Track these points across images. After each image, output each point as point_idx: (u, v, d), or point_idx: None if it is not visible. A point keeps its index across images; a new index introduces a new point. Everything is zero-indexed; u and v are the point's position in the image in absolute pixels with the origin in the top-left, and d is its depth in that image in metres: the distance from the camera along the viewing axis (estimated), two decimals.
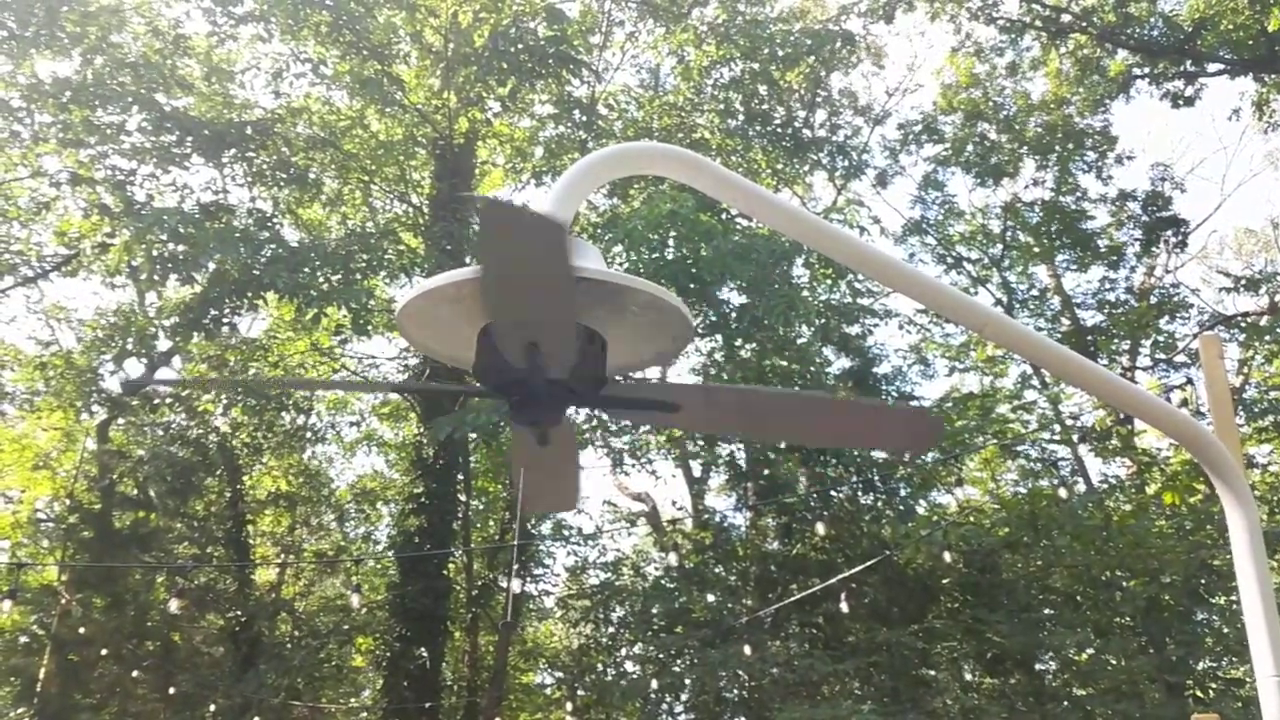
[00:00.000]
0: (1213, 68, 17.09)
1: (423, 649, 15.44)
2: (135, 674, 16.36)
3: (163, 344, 16.55)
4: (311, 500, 20.16)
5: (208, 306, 13.80)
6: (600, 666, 17.14)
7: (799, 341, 15.83)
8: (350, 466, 22.08)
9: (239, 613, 17.51)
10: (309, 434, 19.80)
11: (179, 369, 18.23)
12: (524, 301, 2.03)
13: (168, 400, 17.49)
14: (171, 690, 15.66)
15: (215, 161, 14.72)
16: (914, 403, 17.02)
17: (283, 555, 20.09)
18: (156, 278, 13.42)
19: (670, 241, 13.75)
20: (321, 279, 13.61)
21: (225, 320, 14.45)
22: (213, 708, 15.34)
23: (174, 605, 11.25)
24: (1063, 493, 14.16)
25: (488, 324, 2.28)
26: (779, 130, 17.67)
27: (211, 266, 13.33)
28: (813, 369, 16.22)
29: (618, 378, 2.49)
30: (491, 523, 19.64)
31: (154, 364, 17.57)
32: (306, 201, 16.34)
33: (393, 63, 16.04)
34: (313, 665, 17.81)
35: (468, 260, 15.17)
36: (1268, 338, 16.86)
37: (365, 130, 16.87)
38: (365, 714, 19.29)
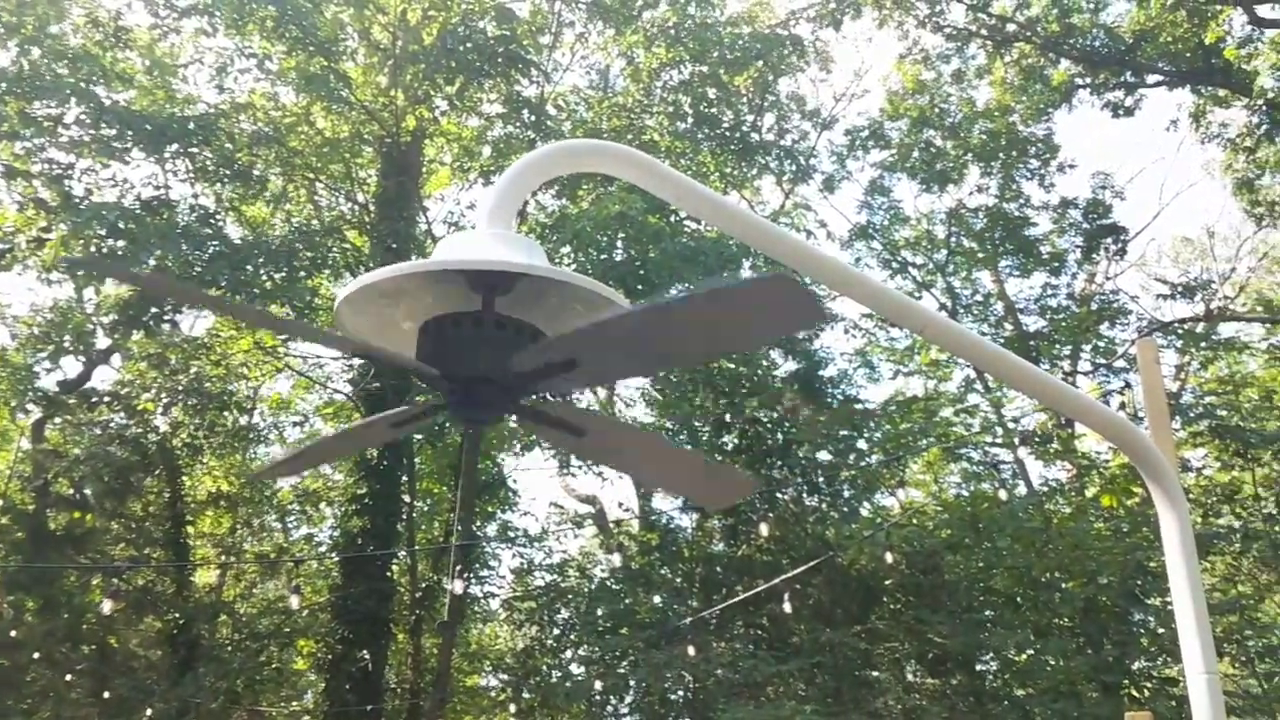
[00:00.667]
0: (1152, 79, 17.44)
1: (365, 651, 15.29)
2: (69, 678, 16.02)
3: (101, 341, 16.25)
4: (253, 501, 19.87)
5: (148, 304, 13.57)
6: (545, 668, 17.08)
7: None
8: None
9: (177, 615, 17.21)
10: (251, 434, 19.52)
11: (118, 367, 17.90)
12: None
13: (106, 399, 17.16)
14: (106, 694, 15.34)
15: (157, 157, 14.47)
16: (857, 406, 17.17)
17: (223, 557, 19.79)
18: (94, 274, 13.16)
19: (619, 243, 13.75)
20: (265, 277, 13.44)
21: (166, 318, 14.22)
22: (149, 712, 15.03)
23: (108, 607, 11.02)
24: (1003, 495, 14.35)
25: (429, 320, 2.25)
26: (727, 133, 17.74)
27: (152, 263, 13.10)
28: (759, 372, 16.30)
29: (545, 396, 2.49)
30: (436, 524, 19.51)
31: (92, 362, 17.24)
32: (250, 198, 16.13)
33: (340, 59, 15.87)
34: (253, 668, 17.56)
35: (412, 258, 15.04)
36: (1203, 344, 17.20)
37: (311, 127, 16.68)
38: (307, 717, 19.06)
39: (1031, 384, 3.37)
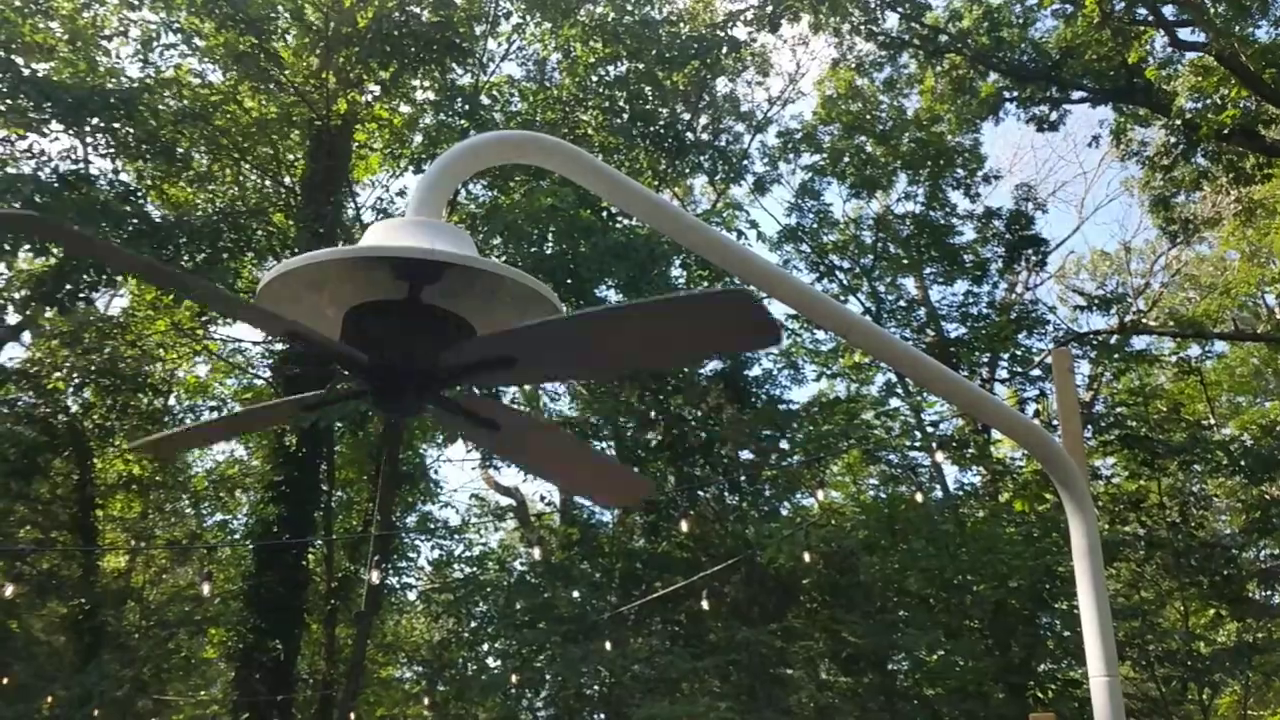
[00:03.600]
0: (1076, 95, 17.82)
1: (277, 641, 15.07)
2: None
3: (11, 317, 15.74)
4: (166, 485, 19.45)
5: (62, 280, 13.19)
6: (461, 661, 16.99)
7: None
8: (208, 452, 21.37)
9: (83, 601, 16.78)
10: (166, 417, 19.09)
11: (28, 345, 17.37)
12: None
13: (14, 377, 16.65)
14: (4, 680, 14.90)
15: (76, 130, 14.07)
16: (781, 406, 17.33)
17: (133, 542, 19.34)
18: (7, 247, 12.76)
19: (550, 236, 13.70)
20: (186, 257, 13.15)
21: (81, 295, 13.83)
22: (50, 699, 14.65)
23: (9, 590, 10.70)
24: (919, 498, 14.59)
25: (353, 309, 2.22)
26: (662, 131, 17.77)
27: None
28: (685, 370, 16.36)
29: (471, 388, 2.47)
30: (354, 514, 19.28)
31: (1, 338, 16.71)
32: (173, 177, 15.76)
33: (270, 38, 15.58)
34: (161, 656, 17.21)
35: (340, 244, 14.84)
36: (1116, 356, 17.66)
37: (238, 106, 16.35)
38: (215, 707, 18.72)
39: (951, 390, 3.44)
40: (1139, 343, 18.84)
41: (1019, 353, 18.69)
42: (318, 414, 12.55)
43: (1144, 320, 20.45)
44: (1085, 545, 3.14)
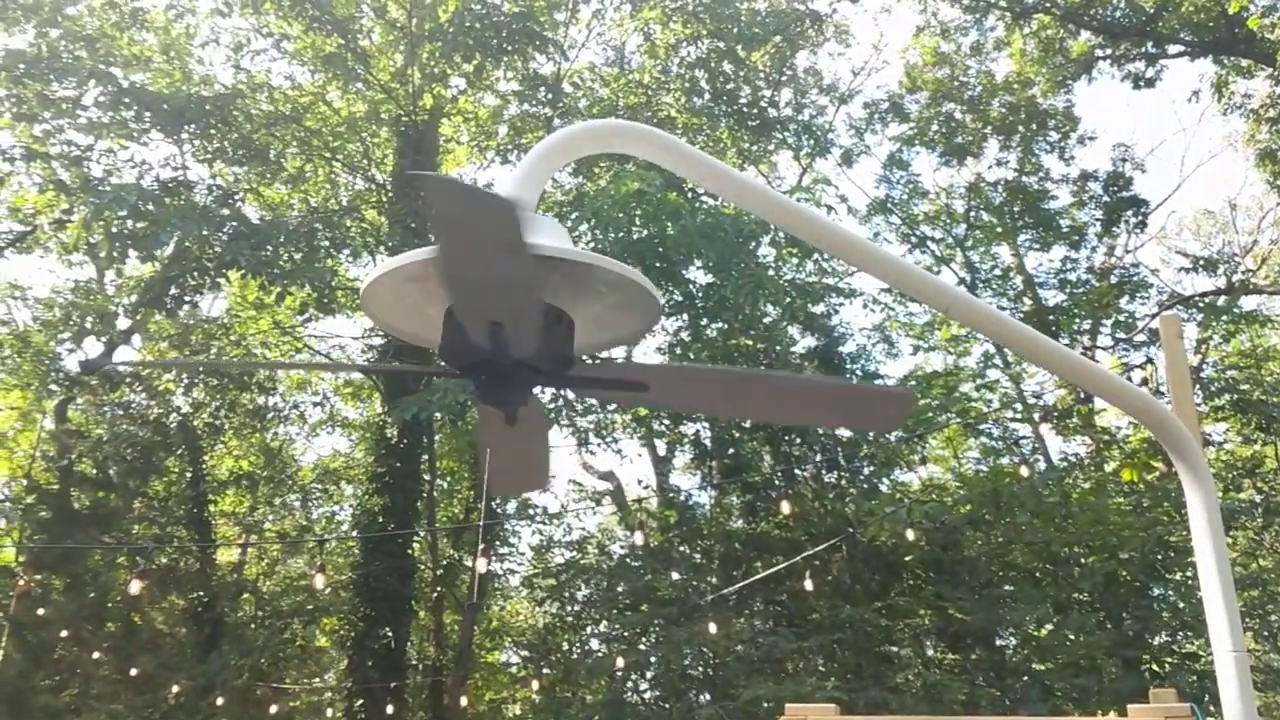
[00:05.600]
0: (1173, 49, 17.25)
1: (387, 628, 15.41)
2: (96, 655, 16.19)
3: (122, 323, 16.33)
4: (274, 480, 20.01)
5: (168, 284, 13.63)
6: (566, 645, 17.17)
7: (765, 321, 15.86)
8: (313, 446, 21.91)
9: (201, 593, 17.37)
10: (271, 414, 19.63)
11: (139, 348, 18.00)
12: (482, 281, 2.00)
13: (127, 379, 17.27)
14: (133, 671, 15.50)
15: (174, 137, 14.51)
16: (878, 382, 17.12)
17: (244, 535, 19.93)
18: (116, 255, 13.22)
19: (636, 220, 13.71)
20: (284, 257, 13.47)
21: (186, 299, 14.28)
22: (175, 689, 15.21)
23: (134, 586, 11.10)
24: (1024, 471, 14.29)
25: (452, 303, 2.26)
26: (744, 109, 17.64)
27: (172, 244, 13.16)
28: (778, 348, 16.26)
29: (585, 358, 2.48)
30: (456, 502, 19.59)
31: (113, 343, 17.34)
32: (268, 178, 16.15)
33: (356, 38, 15.85)
34: (276, 645, 17.71)
35: (432, 239, 15.06)
36: (1224, 318, 17.08)
37: (328, 107, 16.68)
38: (330, 694, 19.23)
39: (1056, 361, 3.36)
40: (1248, 303, 18.21)
41: (1121, 319, 18.21)
42: (419, 404, 12.77)
43: (1253, 280, 19.71)
44: (1205, 516, 3.04)
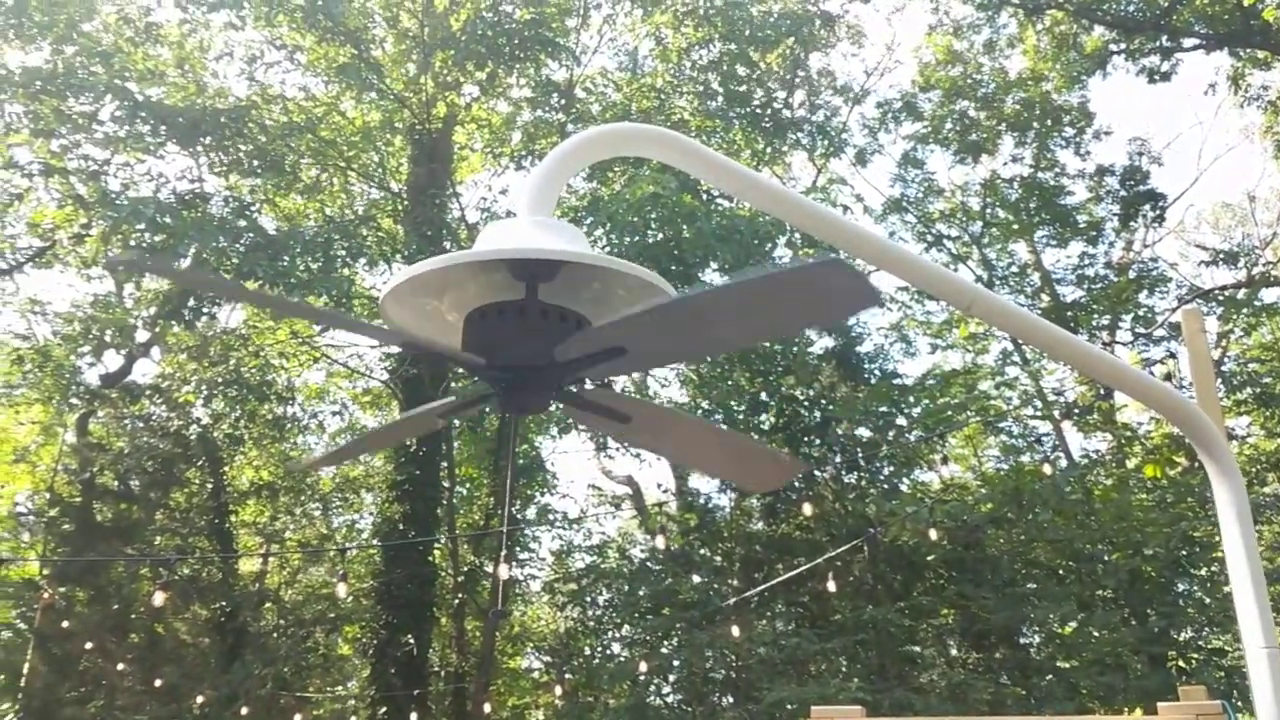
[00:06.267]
0: (1189, 43, 17.13)
1: (409, 636, 15.43)
2: (120, 666, 16.27)
3: (141, 335, 16.43)
4: (294, 489, 20.07)
5: (186, 296, 13.70)
6: (588, 650, 17.16)
7: None
8: None
9: (224, 603, 17.43)
10: (290, 424, 19.68)
11: (158, 360, 18.09)
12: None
13: (147, 392, 17.37)
14: (158, 682, 15.57)
15: (190, 150, 14.58)
16: (895, 381, 17.07)
17: (265, 545, 20.00)
18: (140, 271, 13.30)
19: (652, 224, 13.70)
20: (301, 267, 13.52)
21: (204, 310, 14.34)
22: (199, 699, 15.27)
23: (159, 598, 11.15)
24: (1047, 469, 14.21)
25: (474, 310, 2.26)
26: (758, 111, 17.62)
27: (189, 256, 13.22)
28: (795, 350, 16.23)
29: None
30: (475, 508, 19.61)
31: (132, 356, 17.44)
32: (284, 189, 16.22)
33: (368, 48, 15.90)
34: (299, 654, 17.77)
35: (448, 246, 15.10)
36: (1245, 311, 16.96)
37: (342, 117, 16.74)
38: (353, 702, 19.26)
39: (1080, 357, 3.34)
40: (1269, 295, 18.06)
41: (1140, 314, 18.10)
42: (454, 417, 12.79)
43: (1273, 272, 19.56)
44: (1234, 510, 3.01)
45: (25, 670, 16.25)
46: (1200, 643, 13.61)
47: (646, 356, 2.38)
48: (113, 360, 17.57)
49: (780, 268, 1.83)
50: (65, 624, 16.06)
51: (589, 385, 2.52)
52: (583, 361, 2.16)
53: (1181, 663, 13.02)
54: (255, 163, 14.72)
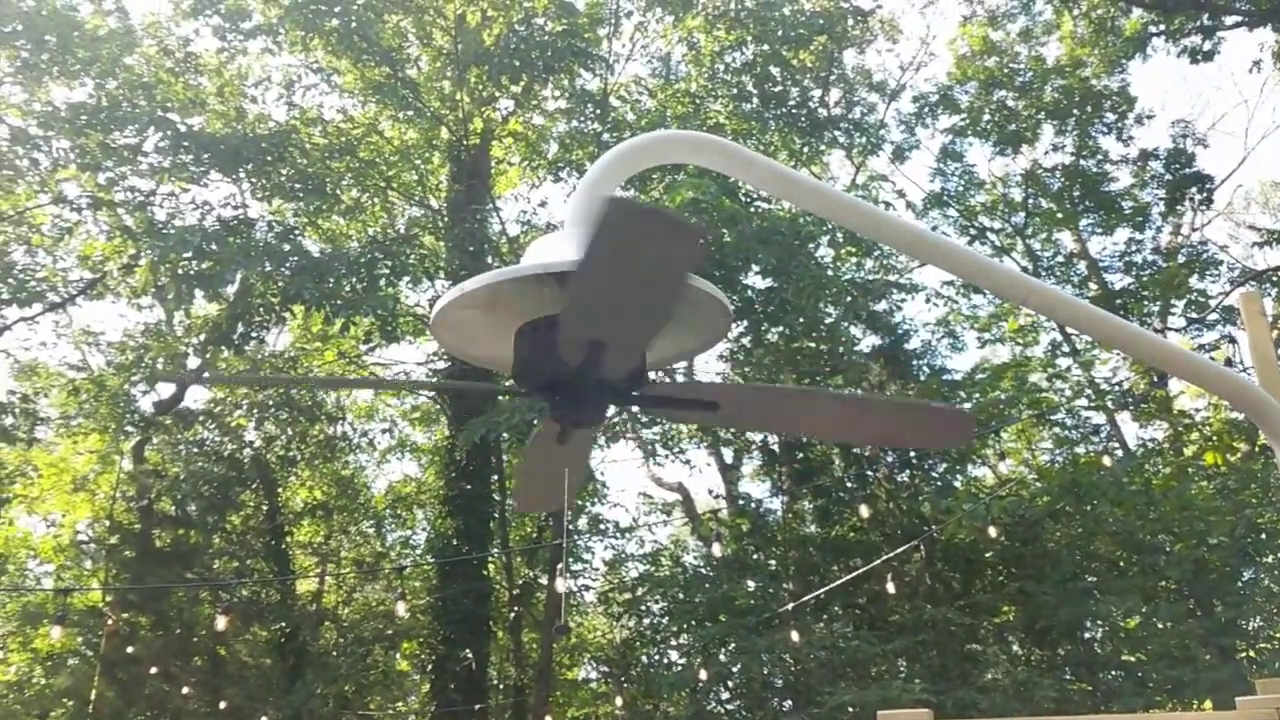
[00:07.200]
0: (1230, 20, 16.81)
1: (467, 650, 15.49)
2: (185, 690, 16.48)
3: (192, 362, 16.64)
4: (348, 508, 20.24)
5: (235, 322, 13.87)
6: (645, 658, 17.13)
7: (826, 322, 15.73)
8: (383, 473, 22.15)
9: (283, 624, 17.60)
10: (342, 443, 19.87)
11: (210, 385, 18.32)
12: (620, 301, 1.99)
13: (200, 418, 17.60)
14: (222, 705, 15.76)
15: (233, 176, 14.77)
16: (944, 376, 16.89)
17: (321, 565, 20.17)
18: (183, 296, 13.49)
19: None
20: (347, 288, 13.64)
21: (253, 335, 14.52)
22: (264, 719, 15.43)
23: (221, 623, 11.27)
24: (1106, 460, 13.96)
25: (524, 325, 2.25)
26: (794, 111, 17.54)
27: (237, 282, 13.39)
28: (841, 348, 16.12)
29: (653, 373, 2.46)
30: (528, 521, 19.65)
31: (184, 382, 17.67)
32: (325, 211, 16.39)
33: (403, 67, 16.03)
34: (359, 672, 17.89)
35: (490, 261, 15.17)
36: None
37: (380, 137, 16.88)
38: (414, 718, 19.38)
39: (1140, 346, 3.27)
40: None
41: (1192, 298, 17.79)
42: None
43: None
44: None
45: (93, 696, 16.50)
46: (1271, 632, 13.33)
47: (734, 420, 2.37)
48: (165, 387, 17.81)
49: (914, 401, 1.80)
50: (130, 650, 16.30)
51: (676, 379, 2.50)
52: (673, 402, 2.14)
53: (1252, 653, 12.76)
54: (297, 186, 14.88)
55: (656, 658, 17.00)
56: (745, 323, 15.48)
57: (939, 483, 15.77)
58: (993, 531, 12.59)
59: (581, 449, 2.75)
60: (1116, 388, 16.54)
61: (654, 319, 2.03)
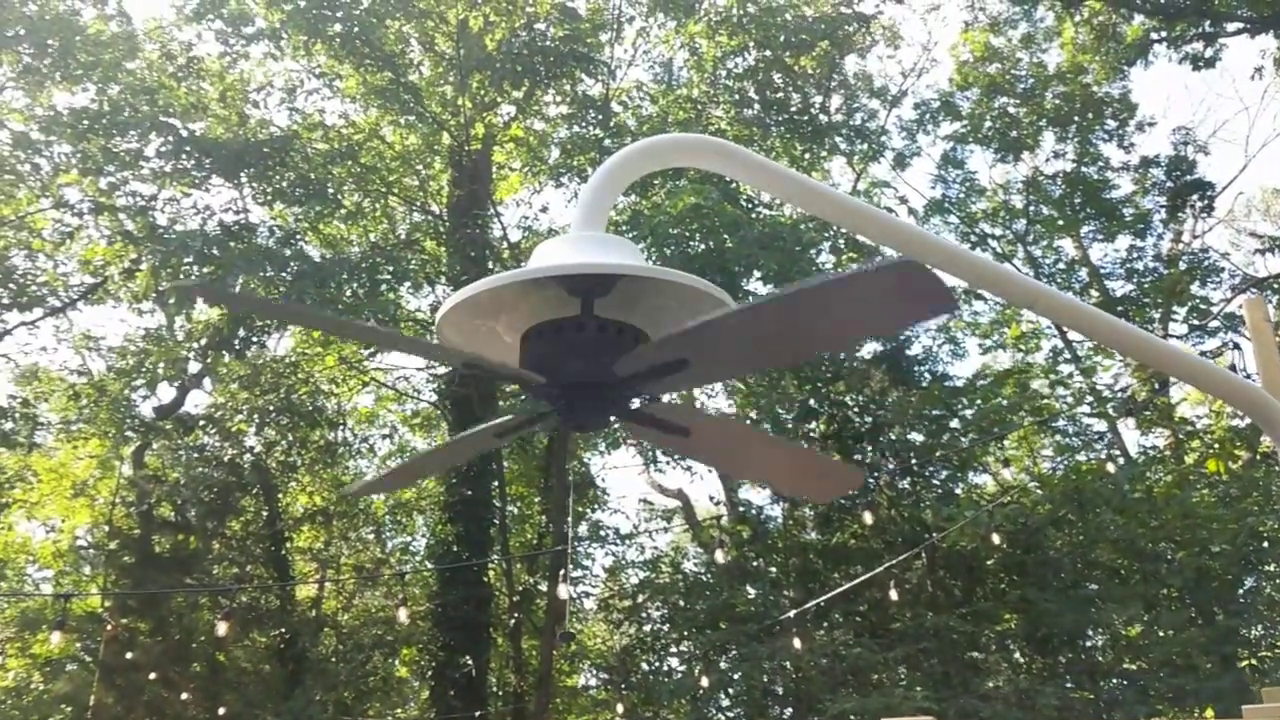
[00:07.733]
0: (1232, 27, 16.81)
1: (467, 657, 15.44)
2: (184, 696, 16.42)
3: (193, 367, 16.63)
4: (348, 514, 20.18)
5: (236, 326, 13.85)
6: (645, 666, 17.07)
7: None
8: None
9: (283, 630, 17.54)
10: (342, 448, 19.82)
11: (210, 391, 18.29)
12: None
13: (200, 423, 17.56)
14: (221, 711, 15.69)
15: (234, 181, 14.77)
16: (946, 383, 16.85)
17: (321, 571, 20.11)
18: (184, 300, 13.48)
19: (695, 235, 13.65)
20: (348, 293, 13.63)
21: (254, 340, 14.50)
22: None
23: (222, 629, 11.21)
24: (1110, 467, 13.93)
25: (530, 328, 2.23)
26: (795, 117, 17.53)
27: (238, 286, 13.37)
28: (843, 356, 16.08)
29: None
30: (528, 527, 19.62)
31: (185, 387, 17.65)
32: (327, 216, 16.37)
33: (405, 72, 16.02)
34: (359, 679, 17.83)
35: (491, 266, 15.16)
36: None
37: (381, 142, 16.87)
38: None
39: (1148, 352, 3.25)
40: None
41: (1193, 304, 17.77)
42: (511, 438, 12.81)
43: None
44: None
45: (92, 702, 16.45)
46: (1273, 640, 13.30)
47: (709, 370, 2.33)
48: (166, 392, 17.80)
49: (852, 270, 1.75)
50: (129, 655, 16.24)
51: (661, 399, 2.48)
52: (644, 376, 2.11)
53: (1254, 661, 12.72)
54: (298, 191, 14.87)
55: (657, 665, 16.94)
56: None
57: (940, 490, 15.73)
58: (995, 539, 12.56)
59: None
60: (1118, 394, 16.53)
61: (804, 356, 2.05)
